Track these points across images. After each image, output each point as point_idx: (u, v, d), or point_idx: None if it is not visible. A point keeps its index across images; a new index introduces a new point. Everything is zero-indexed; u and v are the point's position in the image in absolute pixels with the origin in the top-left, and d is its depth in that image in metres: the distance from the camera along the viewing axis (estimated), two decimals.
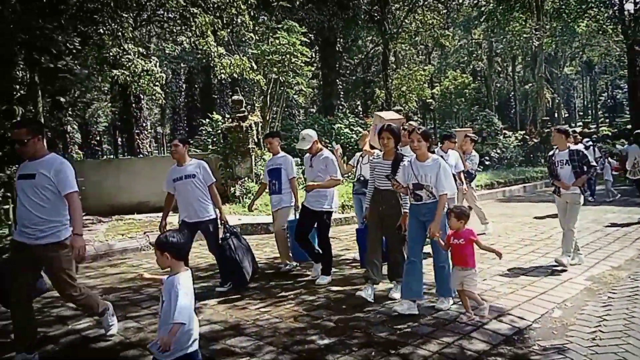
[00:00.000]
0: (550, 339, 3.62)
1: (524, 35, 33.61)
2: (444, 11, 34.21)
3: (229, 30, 13.21)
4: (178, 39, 12.82)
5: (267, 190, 6.14)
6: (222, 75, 11.99)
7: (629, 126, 33.82)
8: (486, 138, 23.54)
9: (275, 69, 13.83)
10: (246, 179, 11.65)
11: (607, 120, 64.62)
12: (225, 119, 12.92)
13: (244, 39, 13.51)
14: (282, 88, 15.12)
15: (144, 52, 11.32)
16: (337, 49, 25.46)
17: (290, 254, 6.01)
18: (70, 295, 3.66)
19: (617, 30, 31.99)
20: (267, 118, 14.59)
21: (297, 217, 5.66)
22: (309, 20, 18.52)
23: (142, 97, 18.93)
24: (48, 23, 8.17)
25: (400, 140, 4.68)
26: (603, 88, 69.41)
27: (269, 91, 14.45)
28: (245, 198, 11.01)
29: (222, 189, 11.82)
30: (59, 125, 12.58)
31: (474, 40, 42.95)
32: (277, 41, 13.60)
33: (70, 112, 12.52)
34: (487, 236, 7.65)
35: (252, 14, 13.45)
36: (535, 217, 9.66)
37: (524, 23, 33.66)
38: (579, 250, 5.86)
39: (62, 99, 11.05)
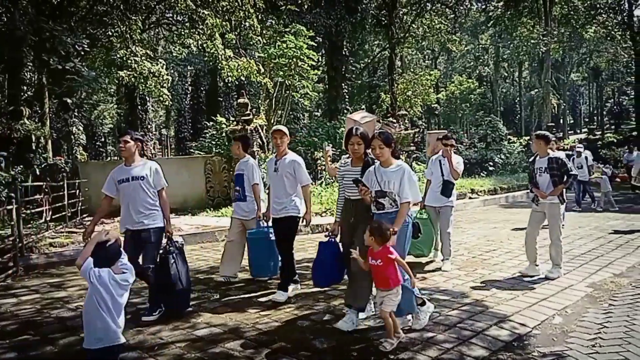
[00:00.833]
0: (550, 345, 3.64)
1: (532, 41, 33.62)
2: (452, 16, 34.22)
3: (236, 33, 13.31)
4: (186, 42, 12.96)
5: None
6: (229, 78, 12.08)
7: (634, 133, 33.64)
8: (490, 143, 23.56)
9: (281, 73, 13.89)
10: None
11: (613, 127, 64.23)
12: (230, 122, 13.00)
13: (251, 42, 13.59)
14: (287, 91, 15.19)
15: (151, 55, 11.42)
16: (344, 52, 25.51)
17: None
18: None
19: (625, 36, 31.88)
20: (272, 121, 14.65)
21: (262, 225, 5.35)
22: (316, 24, 18.62)
23: (148, 99, 19.07)
24: (58, 25, 8.28)
25: (369, 146, 4.15)
26: (609, 94, 68.96)
27: (275, 94, 14.51)
28: None
29: (225, 192, 11.91)
30: (64, 126, 12.72)
31: (480, 46, 43.01)
32: (284, 45, 13.67)
33: (76, 114, 12.64)
34: (479, 241, 7.65)
35: (260, 17, 13.55)
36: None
37: (531, 28, 33.64)
38: (560, 265, 5.60)
39: (68, 101, 11.17)
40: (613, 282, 5.27)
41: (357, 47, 28.29)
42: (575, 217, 10.52)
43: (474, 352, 3.51)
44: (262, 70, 12.37)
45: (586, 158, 11.62)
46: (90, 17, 10.54)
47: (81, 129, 17.02)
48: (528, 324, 4.04)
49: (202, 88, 36.12)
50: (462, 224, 10.00)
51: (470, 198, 14.23)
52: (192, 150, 13.02)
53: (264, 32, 13.81)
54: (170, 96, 12.04)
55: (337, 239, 4.39)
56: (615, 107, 70.73)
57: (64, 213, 9.31)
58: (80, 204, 10.23)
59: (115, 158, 34.13)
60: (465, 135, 34.09)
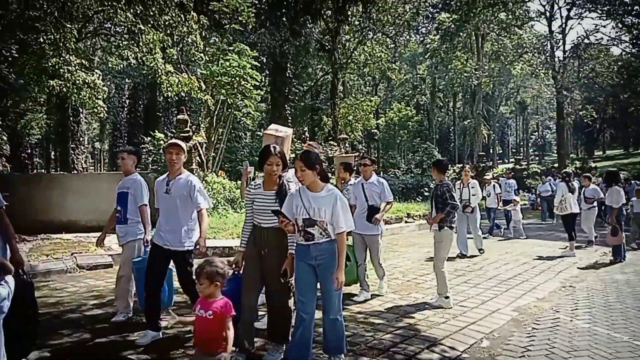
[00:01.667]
0: None
1: (465, 74, 35.66)
2: (392, 46, 35.62)
3: (178, 48, 13.07)
4: (124, 54, 12.51)
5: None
6: (169, 93, 11.79)
7: (556, 164, 36.27)
8: (426, 169, 24.44)
9: (223, 91, 13.76)
10: None
11: (537, 158, 69.06)
12: (169, 138, 12.64)
13: (193, 59, 13.39)
14: (229, 110, 15.04)
15: (87, 65, 10.93)
16: (288, 74, 25.78)
17: (131, 301, 4.88)
18: None
19: (548, 74, 34.62)
20: (212, 139, 14.42)
21: (147, 253, 4.53)
22: (260, 44, 18.71)
23: (81, 110, 18.19)
24: None
25: (287, 166, 3.77)
26: (534, 128, 74.40)
27: (216, 112, 14.33)
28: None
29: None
30: None
31: (418, 75, 44.97)
32: (227, 63, 13.59)
33: (0, 122, 11.78)
34: (414, 265, 7.85)
35: (203, 34, 13.40)
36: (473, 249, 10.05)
37: (465, 62, 35.77)
38: (445, 295, 5.50)
39: None
40: (536, 306, 5.56)
41: (300, 70, 28.71)
42: (502, 243, 11.07)
43: None
44: (204, 87, 12.19)
45: (494, 187, 12.01)
46: (20, 22, 9.96)
47: (5, 138, 15.89)
48: (458, 348, 4.15)
49: (140, 102, 35.01)
50: (397, 247, 10.22)
51: (406, 222, 14.58)
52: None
53: (207, 49, 13.67)
54: (105, 108, 11.53)
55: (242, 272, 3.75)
56: (539, 139, 76.33)
57: None
58: None
59: (42, 171, 32.01)
60: (403, 160, 35.22)
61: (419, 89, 46.37)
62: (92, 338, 4.31)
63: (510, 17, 33.63)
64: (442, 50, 35.44)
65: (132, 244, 4.79)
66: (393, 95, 47.32)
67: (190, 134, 12.16)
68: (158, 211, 4.27)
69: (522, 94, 48.91)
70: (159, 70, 11.39)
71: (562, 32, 32.78)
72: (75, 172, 16.84)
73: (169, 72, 11.53)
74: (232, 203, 13.28)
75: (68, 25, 10.13)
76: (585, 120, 44.06)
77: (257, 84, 15.19)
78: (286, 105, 27.50)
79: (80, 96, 10.87)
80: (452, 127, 51.96)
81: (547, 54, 32.43)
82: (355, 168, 7.44)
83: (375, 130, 38.23)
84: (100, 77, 11.27)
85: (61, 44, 9.95)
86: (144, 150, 13.92)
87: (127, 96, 38.16)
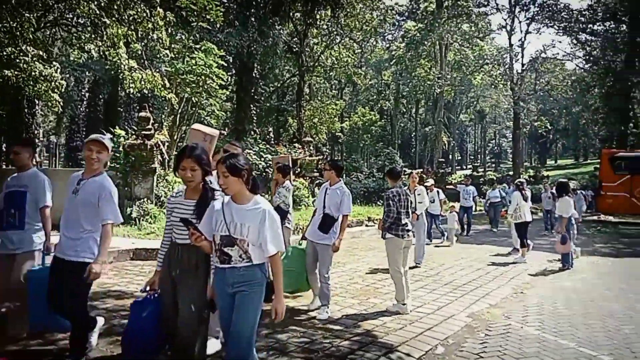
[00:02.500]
0: None
1: (428, 82, 36.46)
2: (359, 51, 36.04)
3: (143, 44, 12.78)
4: (86, 47, 12.11)
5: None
6: (131, 90, 11.51)
7: (511, 172, 37.63)
8: None
9: (188, 89, 13.56)
10: (145, 199, 11.14)
11: (493, 165, 71.40)
12: (129, 135, 12.35)
13: (158, 55, 13.13)
14: (194, 108, 14.83)
15: (44, 56, 10.53)
16: (254, 74, 25.60)
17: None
18: None
19: (506, 86, 35.89)
20: (175, 137, 14.17)
21: (45, 263, 4.02)
22: (228, 43, 18.51)
23: (37, 102, 17.45)
24: None
25: (209, 172, 3.19)
26: (491, 136, 76.92)
27: (180, 110, 14.10)
28: (143, 220, 10.50)
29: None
30: None
31: (383, 81, 45.64)
32: (193, 61, 13.40)
33: None
34: (373, 269, 8.00)
35: (169, 30, 13.16)
36: (427, 253, 10.31)
37: (428, 71, 36.60)
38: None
39: None
40: (489, 312, 5.79)
41: (267, 71, 28.57)
42: (458, 249, 11.40)
43: None
44: (168, 84, 11.97)
45: (437, 193, 11.95)
46: None
47: None
48: (413, 354, 4.27)
49: (100, 96, 33.91)
50: (357, 251, 10.37)
51: (366, 226, 14.81)
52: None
53: (173, 46, 13.43)
54: (62, 102, 11.12)
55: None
56: (496, 147, 78.99)
57: None
58: None
59: None
60: (365, 164, 35.65)
61: (383, 95, 47.06)
62: None
63: (473, 29, 34.68)
64: (406, 57, 36.17)
65: (30, 255, 4.02)
66: (358, 99, 47.83)
67: (152, 132, 11.91)
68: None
69: (482, 103, 50.47)
70: (122, 66, 11.09)
71: (521, 46, 34.12)
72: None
73: (132, 67, 11.25)
74: None
75: (26, 14, 9.73)
76: (539, 131, 45.97)
77: (223, 83, 15.05)
78: (252, 105, 27.32)
79: (36, 88, 10.45)
80: (414, 133, 53.00)
81: (507, 66, 33.64)
82: (298, 170, 7.43)
83: (340, 134, 38.54)
84: (59, 70, 10.86)
85: (18, 33, 9.55)
86: None
87: (86, 89, 36.89)
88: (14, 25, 9.66)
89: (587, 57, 34.21)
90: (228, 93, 24.57)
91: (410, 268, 8.35)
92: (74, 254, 3.44)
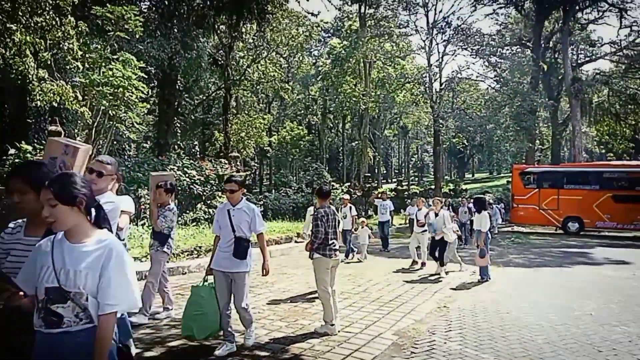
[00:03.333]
0: None
1: (354, 98, 37.34)
2: (285, 66, 36.22)
3: (52, 53, 11.88)
4: None
5: None
6: (38, 102, 10.63)
7: (432, 186, 39.38)
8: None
9: (105, 102, 12.76)
10: None
11: (417, 179, 74.48)
12: (37, 150, 11.37)
13: (68, 66, 12.26)
14: (111, 122, 13.99)
15: None
16: (178, 87, 24.85)
17: None
18: None
19: (426, 103, 37.65)
20: (90, 154, 13.25)
21: None
22: (149, 55, 17.76)
23: None
24: None
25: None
26: (414, 150, 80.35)
27: (95, 124, 13.23)
28: None
29: None
30: None
31: (310, 96, 46.17)
32: (110, 72, 12.65)
33: None
34: (301, 288, 7.90)
35: (82, 40, 12.36)
36: (352, 270, 10.39)
37: (354, 87, 37.52)
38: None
39: None
40: (414, 328, 5.86)
41: (192, 83, 27.86)
42: (387, 263, 11.58)
43: None
44: (80, 97, 11.19)
45: (350, 209, 12.00)
46: None
47: None
48: None
49: (7, 107, 31.11)
50: (286, 269, 10.21)
51: (295, 242, 14.70)
52: None
53: (87, 56, 12.60)
54: None
55: None
56: (418, 161, 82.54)
57: None
58: None
59: None
60: (294, 179, 35.67)
61: (310, 110, 47.58)
62: None
63: (394, 48, 36.13)
64: (332, 74, 36.88)
65: None
66: (286, 114, 47.93)
67: None
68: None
69: (404, 120, 52.55)
70: (30, 76, 10.23)
71: (439, 66, 35.98)
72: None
73: (42, 78, 10.41)
74: None
75: None
76: (457, 147, 48.64)
77: (144, 95, 14.36)
78: (175, 119, 26.44)
79: None
80: (341, 148, 53.97)
81: (426, 85, 35.30)
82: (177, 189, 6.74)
83: (268, 148, 38.32)
84: None
85: None
86: (7, 163, 12.33)
87: None
88: None
89: (498, 79, 36.83)
90: (150, 106, 23.61)
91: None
92: None
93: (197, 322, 4.84)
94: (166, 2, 19.07)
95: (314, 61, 45.82)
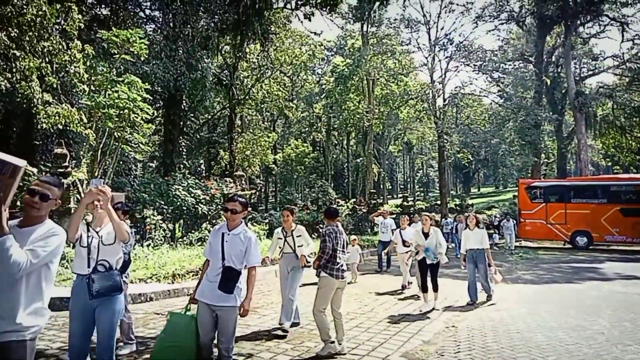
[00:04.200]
0: None
1: (357, 115, 37.49)
2: (290, 84, 36.52)
3: (59, 76, 12.05)
4: None
5: None
6: (44, 125, 10.73)
7: (438, 202, 39.19)
8: (321, 206, 24.98)
9: (110, 123, 12.89)
10: None
11: (422, 194, 74.23)
12: (43, 173, 11.44)
13: (74, 89, 12.41)
14: (117, 143, 14.10)
15: None
16: (183, 107, 25.06)
17: None
18: None
19: (430, 119, 37.70)
20: (96, 174, 13.33)
21: None
22: (154, 76, 17.98)
23: None
24: None
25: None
26: (419, 166, 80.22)
27: (101, 146, 13.34)
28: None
29: None
30: None
31: (315, 114, 46.38)
32: (116, 94, 12.79)
33: None
34: (307, 309, 7.79)
35: (89, 63, 12.54)
36: (358, 289, 10.27)
37: (357, 104, 37.69)
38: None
39: None
40: (422, 350, 5.75)
41: (197, 103, 28.07)
42: (393, 281, 11.46)
43: None
44: (86, 119, 11.29)
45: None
46: None
47: None
48: None
49: (15, 129, 31.46)
50: None
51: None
52: None
53: (93, 78, 12.77)
54: None
55: None
56: (424, 177, 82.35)
57: None
58: None
59: None
60: (300, 196, 35.66)
61: (315, 127, 47.75)
62: None
63: (397, 65, 36.37)
64: (336, 91, 37.08)
65: None
66: (291, 131, 48.16)
67: (70, 169, 11.13)
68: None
69: (409, 135, 52.56)
70: (35, 100, 10.36)
71: (441, 82, 36.12)
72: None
73: (47, 102, 10.53)
74: None
75: None
76: (463, 162, 48.55)
77: (149, 117, 14.50)
78: (180, 138, 26.60)
79: None
80: (346, 164, 53.98)
81: (430, 101, 35.40)
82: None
83: (273, 166, 38.40)
84: None
85: None
86: None
87: None
88: None
89: (501, 94, 36.91)
90: (155, 126, 23.80)
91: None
92: None
93: (169, 355, 4.13)
94: (171, 25, 19.36)
95: (317, 79, 46.16)
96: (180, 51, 19.18)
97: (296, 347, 5.78)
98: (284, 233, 6.88)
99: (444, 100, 36.42)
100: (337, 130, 46.84)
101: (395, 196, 70.18)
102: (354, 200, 30.95)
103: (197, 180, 17.93)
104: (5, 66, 10.36)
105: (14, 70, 9.90)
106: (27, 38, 9.17)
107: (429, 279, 8.34)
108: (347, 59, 36.83)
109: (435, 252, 8.18)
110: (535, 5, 33.52)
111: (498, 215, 29.25)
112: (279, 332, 6.27)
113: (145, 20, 22.09)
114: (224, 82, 27.07)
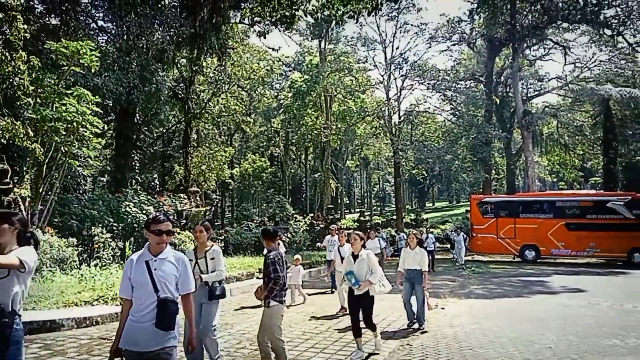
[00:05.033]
0: None
1: (315, 131, 37.75)
2: (247, 98, 36.34)
3: (1, 88, 11.46)
4: None
5: None
6: None
7: (394, 216, 39.80)
8: (279, 222, 24.84)
9: (57, 138, 12.35)
10: None
11: (379, 209, 75.27)
12: None
13: (19, 102, 11.84)
14: (64, 158, 13.51)
15: None
16: (136, 120, 24.37)
17: None
18: None
19: (386, 136, 38.42)
20: (41, 190, 12.70)
21: None
22: (105, 88, 17.41)
23: None
24: None
25: None
26: (376, 181, 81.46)
27: (47, 160, 12.73)
28: None
29: None
30: None
31: (273, 128, 46.33)
32: (64, 107, 12.29)
33: None
34: None
35: (35, 75, 12.01)
36: (314, 308, 10.19)
37: (315, 120, 37.98)
38: None
39: None
40: None
41: (151, 116, 27.42)
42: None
43: None
44: (32, 133, 10.78)
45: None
46: None
47: None
48: None
49: None
50: (247, 309, 9.92)
51: (257, 278, 14.37)
52: None
53: (40, 91, 12.23)
54: None
55: None
56: (380, 191, 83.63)
57: None
58: None
59: None
60: (257, 211, 35.33)
61: (273, 142, 47.69)
62: None
63: (354, 82, 36.99)
64: (294, 107, 37.27)
65: None
66: (248, 146, 47.83)
67: (11, 186, 10.54)
68: None
69: (366, 151, 53.38)
70: None
71: (397, 100, 37.00)
72: None
73: None
74: (61, 263, 11.72)
75: None
76: (418, 177, 49.65)
77: (99, 131, 14.00)
78: (133, 152, 25.81)
79: None
80: (304, 179, 54.07)
81: (385, 118, 36.13)
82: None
83: (230, 181, 37.93)
84: None
85: None
86: None
87: None
88: None
89: (454, 112, 38.16)
90: (107, 139, 23.01)
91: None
92: None
93: None
94: (125, 37, 18.86)
95: (275, 94, 46.24)
96: (134, 64, 18.67)
97: None
98: (196, 255, 5.43)
99: (400, 117, 37.30)
100: (295, 145, 46.94)
101: (352, 211, 70.74)
102: (312, 215, 30.96)
103: (149, 197, 17.41)
104: None
105: None
106: None
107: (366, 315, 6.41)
108: (305, 75, 37.15)
109: (359, 279, 6.21)
110: (485, 28, 35.06)
111: (452, 230, 29.99)
112: None
113: (97, 31, 21.44)
114: (180, 96, 26.62)
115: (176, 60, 24.61)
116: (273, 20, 21.22)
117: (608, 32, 32.87)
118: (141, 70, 19.46)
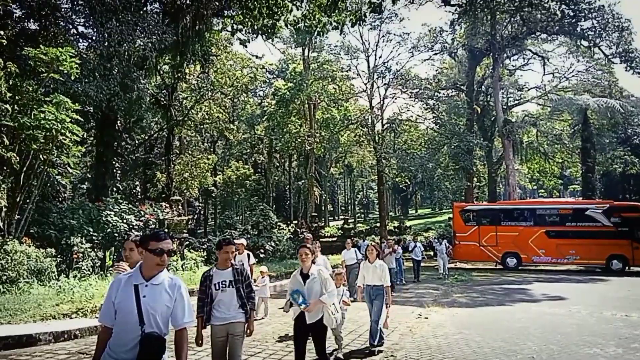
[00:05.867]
0: None
1: (299, 138, 37.72)
2: (230, 106, 36.19)
3: None
4: None
5: None
6: None
7: (378, 224, 39.89)
8: (262, 230, 24.69)
9: (35, 146, 12.10)
10: None
11: (363, 216, 75.46)
12: None
13: None
14: (42, 166, 13.23)
15: None
16: (117, 127, 24.01)
17: None
18: None
19: (370, 144, 38.60)
20: (18, 199, 12.41)
21: None
22: (86, 95, 17.13)
23: None
24: None
25: None
26: (360, 188, 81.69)
27: (24, 169, 12.45)
28: None
29: None
30: None
31: (256, 135, 46.13)
32: (42, 115, 12.05)
33: None
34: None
35: (12, 81, 11.76)
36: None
37: (299, 127, 37.98)
38: None
39: None
40: None
41: (132, 124, 27.05)
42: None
43: None
44: (8, 142, 10.53)
45: (248, 256, 9.59)
46: None
47: None
48: None
49: None
50: None
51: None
52: None
53: (17, 98, 11.97)
54: None
55: None
56: (364, 198, 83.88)
57: None
58: None
59: None
60: (240, 219, 35.05)
61: (257, 149, 47.47)
62: None
63: (337, 91, 37.14)
64: (278, 114, 37.21)
65: None
66: (231, 153, 47.48)
67: None
68: None
69: (349, 158, 53.45)
70: None
71: (380, 108, 37.22)
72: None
73: None
74: (39, 275, 11.44)
75: None
76: (401, 185, 49.95)
77: (79, 138, 13.75)
78: (114, 160, 25.40)
79: None
80: (288, 187, 53.89)
81: (369, 126, 36.30)
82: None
83: (213, 188, 37.58)
84: None
85: None
86: None
87: None
88: None
89: (436, 120, 38.55)
90: (87, 147, 22.61)
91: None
92: None
93: None
94: (106, 43, 18.60)
95: (259, 101, 46.14)
96: (116, 70, 18.42)
97: None
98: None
99: (383, 125, 37.50)
100: (278, 152, 46.81)
101: (336, 218, 70.78)
102: (296, 222, 30.85)
103: (130, 205, 17.13)
104: None
105: None
106: None
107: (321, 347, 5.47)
108: (288, 83, 37.15)
109: (306, 299, 5.17)
110: (466, 39, 35.61)
111: (435, 238, 30.20)
112: None
113: (78, 37, 21.11)
114: (162, 103, 26.37)
115: (158, 67, 24.38)
116: (255, 29, 21.19)
117: (585, 43, 33.67)
118: (122, 77, 19.20)
